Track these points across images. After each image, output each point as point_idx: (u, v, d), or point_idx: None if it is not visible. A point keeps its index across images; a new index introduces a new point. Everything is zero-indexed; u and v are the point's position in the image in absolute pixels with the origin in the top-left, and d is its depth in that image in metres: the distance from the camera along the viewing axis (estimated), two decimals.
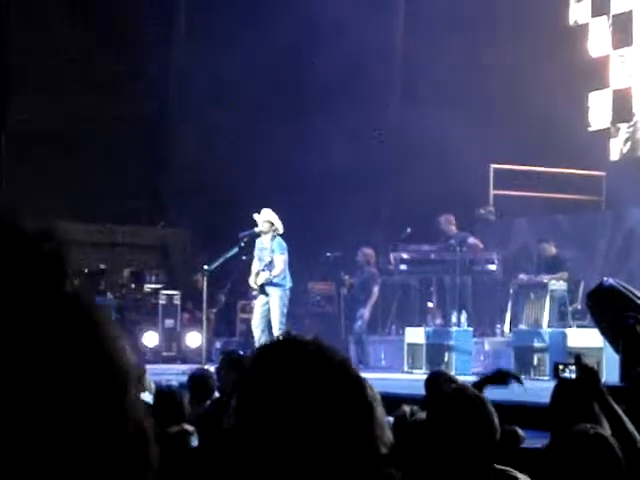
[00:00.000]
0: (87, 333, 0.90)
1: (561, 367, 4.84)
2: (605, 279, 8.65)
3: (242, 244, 11.89)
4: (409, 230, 13.92)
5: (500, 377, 4.01)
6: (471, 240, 13.48)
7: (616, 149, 14.98)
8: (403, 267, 13.76)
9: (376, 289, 13.93)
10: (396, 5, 16.58)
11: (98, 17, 16.30)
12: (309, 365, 1.51)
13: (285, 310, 11.72)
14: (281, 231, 11.70)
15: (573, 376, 4.56)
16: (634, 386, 4.78)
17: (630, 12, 14.79)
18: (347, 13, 14.23)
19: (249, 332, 13.42)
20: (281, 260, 11.59)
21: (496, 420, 3.38)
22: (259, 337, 11.63)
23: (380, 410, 3.77)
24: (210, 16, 16.08)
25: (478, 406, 3.34)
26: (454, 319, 12.89)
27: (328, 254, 15.74)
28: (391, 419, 4.59)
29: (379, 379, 10.82)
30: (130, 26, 16.69)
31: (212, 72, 15.68)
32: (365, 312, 13.85)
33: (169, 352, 14.88)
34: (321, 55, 14.65)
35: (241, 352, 8.64)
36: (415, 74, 15.21)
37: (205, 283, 12.31)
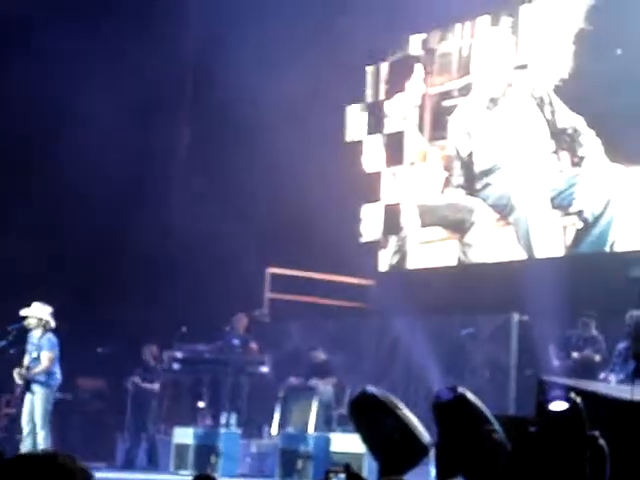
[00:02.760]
0: None
1: (331, 474, 5.05)
2: (367, 388, 9.00)
3: (10, 338, 11.63)
4: (184, 329, 14.01)
5: None
6: (252, 344, 13.78)
7: (385, 260, 15.71)
8: (176, 366, 13.81)
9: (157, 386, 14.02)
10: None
11: None
12: None
13: (49, 407, 11.49)
14: (53, 325, 11.53)
15: None
16: None
17: (402, 133, 15.72)
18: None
19: (12, 427, 13.02)
20: (47, 357, 11.41)
21: None
22: (27, 434, 11.38)
23: None
24: None
25: None
26: (224, 420, 12.99)
27: (99, 349, 15.54)
28: None
29: None
30: None
31: None
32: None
33: None
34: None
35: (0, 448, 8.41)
36: (203, 183, 15.46)
37: None
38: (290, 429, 12.47)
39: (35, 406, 11.39)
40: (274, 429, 12.83)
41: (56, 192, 14.60)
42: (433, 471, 9.07)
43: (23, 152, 15.48)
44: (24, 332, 11.61)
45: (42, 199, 14.84)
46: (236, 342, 13.65)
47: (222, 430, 12.74)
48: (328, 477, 4.77)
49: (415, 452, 8.44)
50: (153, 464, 13.40)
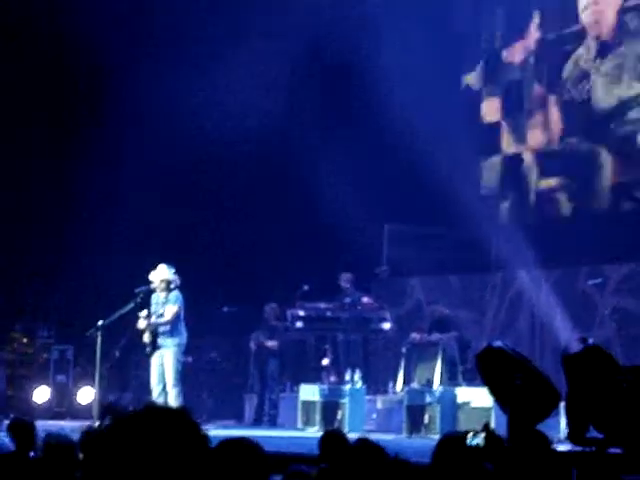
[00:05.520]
0: None
1: (470, 434, 5.00)
2: (494, 342, 8.93)
3: (138, 300, 11.88)
4: (306, 287, 14.09)
5: None
6: (365, 299, 13.76)
7: (505, 212, 15.47)
8: (299, 324, 13.92)
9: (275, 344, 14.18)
10: None
11: None
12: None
13: (179, 366, 11.72)
14: (178, 283, 11.74)
15: (481, 443, 4.72)
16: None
17: (520, 81, 15.40)
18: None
19: (142, 388, 13.35)
20: (171, 310, 11.62)
21: None
22: (158, 395, 11.61)
23: None
24: None
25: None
26: (348, 377, 13.06)
27: (225, 309, 15.77)
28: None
29: (272, 437, 10.89)
30: None
31: None
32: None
33: (60, 408, 14.67)
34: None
35: (131, 407, 8.62)
36: (309, 136, 15.44)
37: (99, 338, 12.24)
38: (415, 384, 12.45)
39: (165, 365, 11.61)
40: (399, 385, 12.84)
41: (189, 160, 14.83)
42: (563, 423, 8.96)
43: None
44: (151, 294, 11.85)
45: (174, 163, 15.05)
46: (347, 300, 13.66)
47: (347, 387, 12.81)
48: (466, 437, 4.69)
49: (545, 404, 8.34)
50: (273, 422, 13.58)
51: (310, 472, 4.91)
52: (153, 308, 11.77)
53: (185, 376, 12.30)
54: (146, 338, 11.73)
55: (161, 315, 11.66)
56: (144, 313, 11.63)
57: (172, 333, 11.66)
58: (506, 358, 8.49)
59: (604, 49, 14.23)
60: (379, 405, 13.11)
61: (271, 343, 14.09)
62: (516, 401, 8.15)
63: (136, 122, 14.95)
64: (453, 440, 4.21)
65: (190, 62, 14.71)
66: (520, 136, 15.33)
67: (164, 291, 11.70)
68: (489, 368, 8.70)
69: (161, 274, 11.68)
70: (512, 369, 8.34)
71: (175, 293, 11.70)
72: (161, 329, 11.67)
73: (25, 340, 15.27)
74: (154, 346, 11.67)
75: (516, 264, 13.28)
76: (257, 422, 13.75)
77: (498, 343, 8.88)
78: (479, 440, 4.58)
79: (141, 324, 11.65)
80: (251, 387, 14.20)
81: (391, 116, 13.89)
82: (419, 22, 14.23)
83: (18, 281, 15.67)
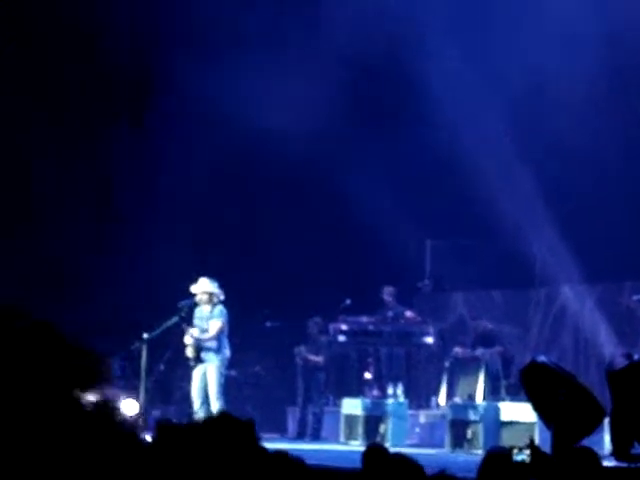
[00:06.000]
0: None
1: (516, 451, 5.03)
2: (537, 357, 8.93)
3: (182, 314, 11.98)
4: (348, 301, 14.13)
5: None
6: (408, 313, 13.78)
7: (548, 227, 15.39)
8: (342, 338, 13.96)
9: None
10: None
11: None
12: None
13: (222, 380, 11.79)
14: (222, 298, 11.82)
15: (527, 459, 4.74)
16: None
17: None
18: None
19: (186, 401, 13.44)
20: (215, 326, 11.69)
21: None
22: (199, 407, 11.68)
23: None
24: None
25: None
26: (391, 391, 13.08)
27: (268, 323, 15.85)
28: None
29: (316, 450, 10.94)
30: None
31: None
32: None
33: None
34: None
35: (176, 421, 8.70)
36: (354, 152, 15.50)
37: (145, 351, 12.35)
38: (458, 399, 12.44)
39: (208, 379, 11.68)
40: (442, 399, 12.83)
41: (230, 175, 14.93)
42: (608, 439, 8.91)
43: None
44: (194, 307, 11.94)
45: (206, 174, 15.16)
46: (390, 314, 13.69)
47: (389, 401, 12.83)
48: (511, 453, 4.70)
49: (589, 420, 8.32)
50: (316, 435, 13.61)
51: None
52: (197, 322, 11.86)
53: (228, 389, 12.38)
54: (189, 353, 11.81)
55: (205, 330, 11.73)
56: (192, 331, 11.71)
57: (216, 348, 11.73)
58: (550, 373, 8.48)
59: None
60: (422, 419, 13.11)
61: (317, 357, 14.13)
62: (560, 417, 8.13)
63: (183, 132, 15.10)
64: (499, 456, 4.23)
65: (240, 65, 14.77)
66: None
67: (207, 304, 11.78)
68: (533, 383, 8.69)
69: (203, 286, 11.76)
70: (556, 384, 8.33)
71: (220, 308, 11.77)
72: (206, 344, 11.74)
73: None
74: (197, 361, 11.75)
75: (560, 279, 13.22)
76: (300, 435, 13.80)
77: (542, 358, 8.88)
78: (525, 456, 4.60)
79: (187, 340, 11.73)
80: (300, 401, 14.23)
81: (435, 131, 13.90)
82: (471, 31, 14.13)
83: (63, 292, 15.84)
